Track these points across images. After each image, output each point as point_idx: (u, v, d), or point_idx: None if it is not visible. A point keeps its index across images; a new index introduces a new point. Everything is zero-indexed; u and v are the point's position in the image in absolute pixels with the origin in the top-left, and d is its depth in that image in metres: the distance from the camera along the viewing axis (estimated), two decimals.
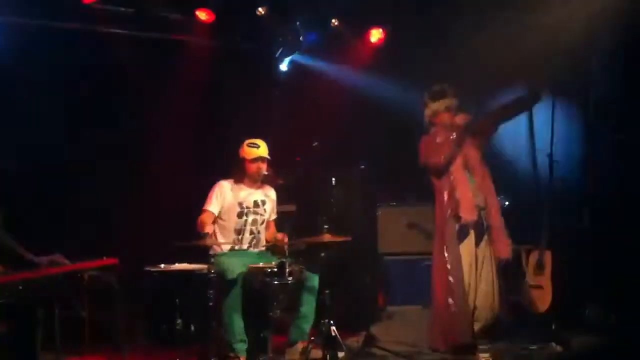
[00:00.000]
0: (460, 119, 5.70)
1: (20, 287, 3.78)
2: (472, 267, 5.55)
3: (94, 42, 6.71)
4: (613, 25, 6.17)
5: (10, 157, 6.14)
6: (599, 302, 6.01)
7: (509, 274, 6.53)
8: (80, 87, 6.61)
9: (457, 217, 5.56)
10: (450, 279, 5.51)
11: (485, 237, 5.63)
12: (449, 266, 5.54)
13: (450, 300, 5.50)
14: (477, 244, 5.60)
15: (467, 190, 5.61)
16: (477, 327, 5.62)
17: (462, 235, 5.58)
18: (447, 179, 5.67)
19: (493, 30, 6.45)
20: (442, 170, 5.67)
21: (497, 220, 5.66)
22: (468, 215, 5.53)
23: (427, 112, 5.88)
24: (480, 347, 5.57)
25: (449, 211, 5.61)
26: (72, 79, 6.57)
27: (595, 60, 6.58)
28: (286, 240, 5.43)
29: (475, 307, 5.57)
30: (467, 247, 5.57)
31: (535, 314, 6.06)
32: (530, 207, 6.47)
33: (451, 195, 5.62)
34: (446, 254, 5.56)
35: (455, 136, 5.66)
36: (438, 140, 5.73)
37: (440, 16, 7.08)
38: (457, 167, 5.66)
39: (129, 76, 6.81)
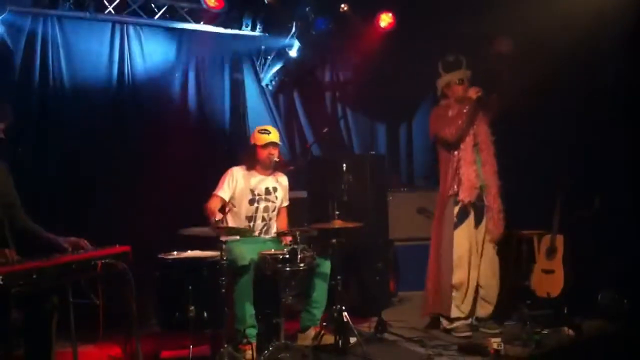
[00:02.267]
0: (473, 91, 5.66)
1: (35, 276, 3.80)
2: (473, 247, 5.67)
3: (101, 30, 6.73)
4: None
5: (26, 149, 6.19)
6: (611, 287, 5.99)
7: (522, 258, 6.58)
8: (88, 78, 6.62)
9: (456, 198, 5.63)
10: (441, 253, 5.72)
11: (485, 218, 5.68)
12: (442, 243, 5.72)
13: (437, 273, 5.76)
14: (476, 225, 5.68)
15: (471, 170, 5.65)
16: (488, 308, 5.67)
17: (462, 216, 5.65)
18: (455, 155, 5.69)
19: (504, 11, 6.42)
20: (453, 145, 5.67)
21: (494, 202, 5.71)
22: (466, 195, 5.60)
23: (440, 82, 5.87)
24: (487, 330, 5.63)
25: (451, 190, 5.67)
26: (79, 69, 6.58)
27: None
28: (288, 242, 5.42)
29: (480, 286, 5.72)
30: (467, 228, 5.69)
31: (547, 299, 6.06)
32: (542, 192, 6.45)
33: (456, 172, 5.65)
34: (442, 232, 5.74)
35: (467, 109, 5.63)
36: (450, 113, 5.73)
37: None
38: (466, 144, 5.68)
39: (137, 64, 6.81)
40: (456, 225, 5.69)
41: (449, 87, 5.81)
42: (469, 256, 5.67)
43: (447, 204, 5.71)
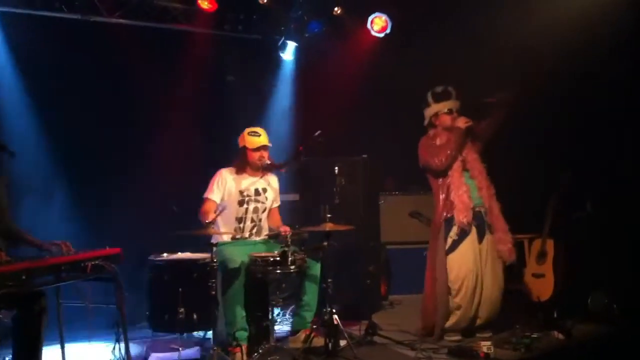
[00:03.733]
0: (461, 122, 5.70)
1: (24, 277, 3.80)
2: (477, 262, 5.61)
3: (95, 31, 6.72)
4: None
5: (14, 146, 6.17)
6: (601, 291, 6.01)
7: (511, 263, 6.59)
8: (81, 77, 6.61)
9: (451, 222, 5.61)
10: (437, 277, 5.64)
11: (488, 233, 5.67)
12: (436, 266, 5.66)
13: (432, 295, 5.68)
14: (479, 240, 5.63)
15: (462, 192, 5.64)
16: (479, 322, 5.66)
17: (463, 234, 5.61)
18: (445, 181, 5.70)
19: (497, 15, 6.43)
20: (442, 173, 5.70)
21: (499, 222, 5.70)
22: (462, 217, 5.57)
23: (429, 112, 5.88)
24: (478, 334, 5.63)
25: (445, 214, 5.65)
26: (73, 69, 6.57)
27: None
28: (289, 231, 5.42)
29: (479, 303, 5.63)
30: (470, 245, 5.61)
31: (537, 302, 6.08)
32: (533, 196, 6.47)
33: (447, 196, 5.65)
34: (436, 256, 5.68)
35: (456, 138, 5.66)
36: (438, 142, 5.75)
37: (443, 3, 7.05)
38: (454, 170, 5.70)
39: (131, 66, 6.80)
40: (450, 250, 5.64)
41: (437, 116, 5.83)
42: (474, 271, 5.59)
43: (441, 229, 5.66)
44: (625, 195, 6.26)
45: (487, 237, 5.67)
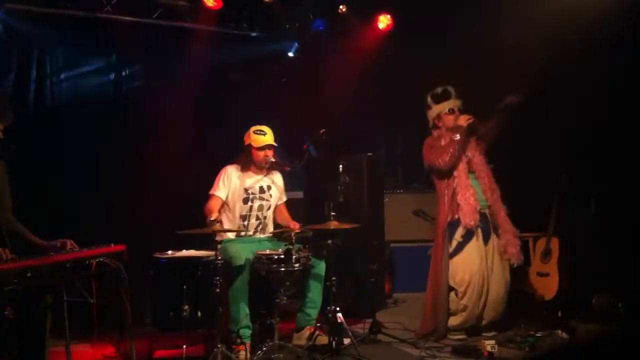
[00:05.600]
0: (463, 119, 5.68)
1: (29, 274, 3.81)
2: (483, 264, 5.59)
3: (100, 28, 6.72)
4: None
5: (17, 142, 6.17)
6: (605, 290, 6.00)
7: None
8: (84, 75, 6.61)
9: (457, 222, 5.59)
10: (438, 279, 5.64)
11: (493, 235, 5.67)
12: (437, 269, 5.66)
13: (431, 298, 5.70)
14: (485, 242, 5.62)
15: (469, 194, 5.61)
16: (484, 322, 5.66)
17: (468, 235, 5.59)
18: (451, 182, 5.68)
19: (501, 17, 6.43)
20: (446, 173, 5.68)
21: (506, 224, 5.69)
22: (469, 219, 5.55)
23: (431, 114, 5.87)
24: (486, 333, 5.64)
25: (449, 217, 5.63)
26: (76, 67, 6.58)
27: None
28: (297, 228, 5.42)
29: (485, 304, 5.63)
30: (475, 246, 5.60)
31: (542, 301, 6.07)
32: (538, 194, 6.47)
33: (453, 198, 5.64)
34: (437, 259, 5.67)
35: (458, 137, 5.65)
36: (442, 142, 5.73)
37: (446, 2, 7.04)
38: (460, 171, 5.68)
39: (134, 63, 6.80)
40: (453, 254, 5.62)
41: (440, 118, 5.81)
42: (481, 273, 5.57)
43: (445, 231, 5.64)
44: (630, 194, 6.25)
45: (493, 239, 5.65)
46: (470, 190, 5.62)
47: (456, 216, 5.60)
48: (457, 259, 5.59)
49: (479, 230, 5.60)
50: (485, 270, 5.58)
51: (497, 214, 5.69)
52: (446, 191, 5.68)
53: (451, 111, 5.78)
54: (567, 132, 6.60)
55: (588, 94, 6.41)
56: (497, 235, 5.67)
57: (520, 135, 6.66)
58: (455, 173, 5.67)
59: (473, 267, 5.55)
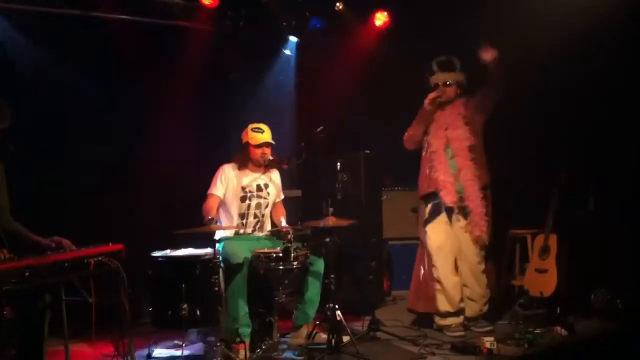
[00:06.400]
0: (427, 100, 5.73)
1: (27, 274, 3.80)
2: (449, 242, 5.73)
3: (95, 27, 6.69)
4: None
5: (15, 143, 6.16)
6: (604, 287, 6.01)
7: (515, 257, 6.60)
8: (81, 73, 6.59)
9: (432, 195, 5.75)
10: (421, 251, 5.89)
11: (461, 216, 5.74)
12: (423, 241, 5.88)
13: (421, 271, 5.92)
14: (450, 222, 5.76)
15: (448, 175, 5.70)
16: (475, 307, 5.72)
17: (435, 212, 5.76)
18: (428, 157, 5.77)
19: (501, 11, 6.43)
20: (410, 147, 5.88)
21: (476, 206, 5.71)
22: (449, 200, 5.68)
23: (431, 81, 5.92)
24: (479, 329, 5.65)
25: (423, 190, 5.83)
26: (72, 65, 6.55)
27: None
28: (290, 233, 5.41)
29: (465, 285, 5.79)
30: (440, 224, 5.78)
31: (540, 298, 6.08)
32: (536, 190, 6.47)
33: (429, 175, 5.77)
34: (422, 230, 5.88)
35: (419, 116, 5.78)
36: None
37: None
38: (437, 148, 5.75)
39: (131, 62, 6.78)
40: (427, 221, 5.80)
41: (437, 87, 5.83)
42: (449, 250, 5.73)
43: (421, 203, 5.88)
44: (629, 191, 6.25)
45: (460, 220, 5.73)
46: (448, 171, 5.70)
47: (432, 189, 5.74)
48: (429, 227, 5.80)
49: (444, 211, 5.74)
50: (455, 252, 5.73)
51: (467, 194, 5.70)
52: (424, 165, 5.85)
53: (448, 85, 5.78)
54: (567, 129, 6.60)
55: (588, 93, 6.42)
56: (466, 217, 5.71)
57: (521, 132, 6.68)
58: (431, 148, 5.75)
59: (440, 237, 5.74)
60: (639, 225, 6.05)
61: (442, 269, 5.75)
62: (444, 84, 5.81)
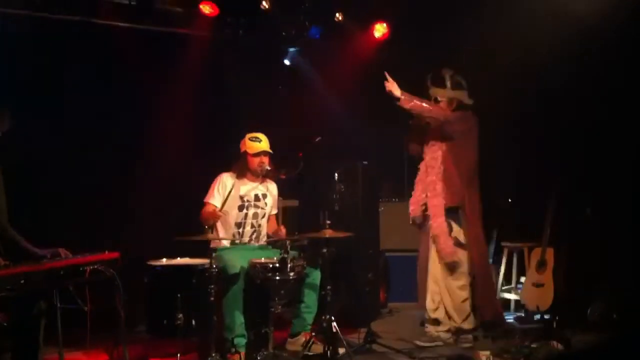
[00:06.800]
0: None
1: (23, 280, 3.79)
2: (424, 251, 5.93)
3: (95, 34, 6.69)
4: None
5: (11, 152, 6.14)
6: (601, 301, 6.00)
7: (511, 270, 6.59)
8: (80, 80, 6.57)
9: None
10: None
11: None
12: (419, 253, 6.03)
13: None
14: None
15: (418, 191, 5.89)
16: (448, 323, 5.81)
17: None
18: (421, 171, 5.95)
19: (500, 23, 6.44)
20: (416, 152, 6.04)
21: (435, 229, 5.74)
22: (412, 210, 5.96)
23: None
24: (461, 343, 5.67)
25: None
26: (72, 72, 6.54)
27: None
28: (284, 231, 5.42)
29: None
30: (423, 234, 5.97)
31: (537, 312, 6.07)
32: (533, 203, 6.47)
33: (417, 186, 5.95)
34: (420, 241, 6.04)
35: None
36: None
37: (445, 10, 7.04)
38: (421, 165, 5.92)
39: (130, 69, 6.78)
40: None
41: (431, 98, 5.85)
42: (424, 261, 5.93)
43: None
44: (625, 202, 6.26)
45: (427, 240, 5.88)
46: (419, 186, 5.91)
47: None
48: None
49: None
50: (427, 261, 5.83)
51: (431, 215, 5.77)
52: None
53: (438, 101, 5.80)
54: (565, 133, 6.61)
55: (588, 94, 6.42)
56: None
57: (516, 143, 6.68)
58: (421, 163, 5.93)
59: (422, 247, 5.97)
60: (636, 237, 6.05)
61: (429, 275, 5.83)
62: (434, 100, 5.83)
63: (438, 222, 5.69)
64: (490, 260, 6.54)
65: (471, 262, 5.72)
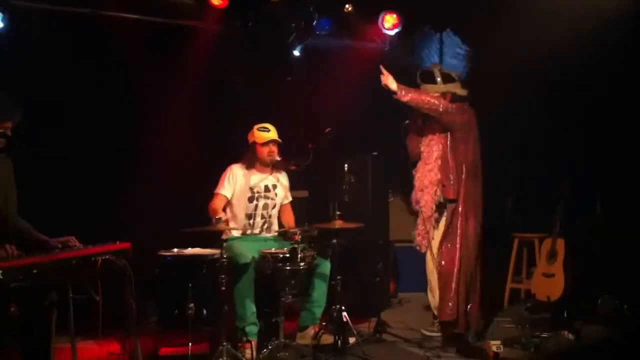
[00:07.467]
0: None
1: (35, 271, 3.80)
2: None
3: (104, 26, 6.69)
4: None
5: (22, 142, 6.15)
6: (611, 292, 5.99)
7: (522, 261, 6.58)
8: (88, 72, 6.59)
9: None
10: None
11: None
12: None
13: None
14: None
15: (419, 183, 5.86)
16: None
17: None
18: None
19: (511, 17, 6.42)
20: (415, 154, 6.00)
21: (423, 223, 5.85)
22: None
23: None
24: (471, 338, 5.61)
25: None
26: (79, 64, 6.55)
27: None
28: (297, 235, 5.40)
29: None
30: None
31: (547, 302, 6.06)
32: (544, 195, 6.46)
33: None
34: None
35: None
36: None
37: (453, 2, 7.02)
38: (420, 162, 5.89)
39: (138, 61, 6.78)
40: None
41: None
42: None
43: None
44: (636, 194, 6.23)
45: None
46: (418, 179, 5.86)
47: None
48: None
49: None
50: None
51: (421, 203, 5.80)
52: None
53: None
54: (573, 131, 6.59)
55: (593, 95, 6.40)
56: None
57: (529, 134, 6.67)
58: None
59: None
60: None
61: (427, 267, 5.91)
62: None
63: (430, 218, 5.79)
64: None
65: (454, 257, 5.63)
